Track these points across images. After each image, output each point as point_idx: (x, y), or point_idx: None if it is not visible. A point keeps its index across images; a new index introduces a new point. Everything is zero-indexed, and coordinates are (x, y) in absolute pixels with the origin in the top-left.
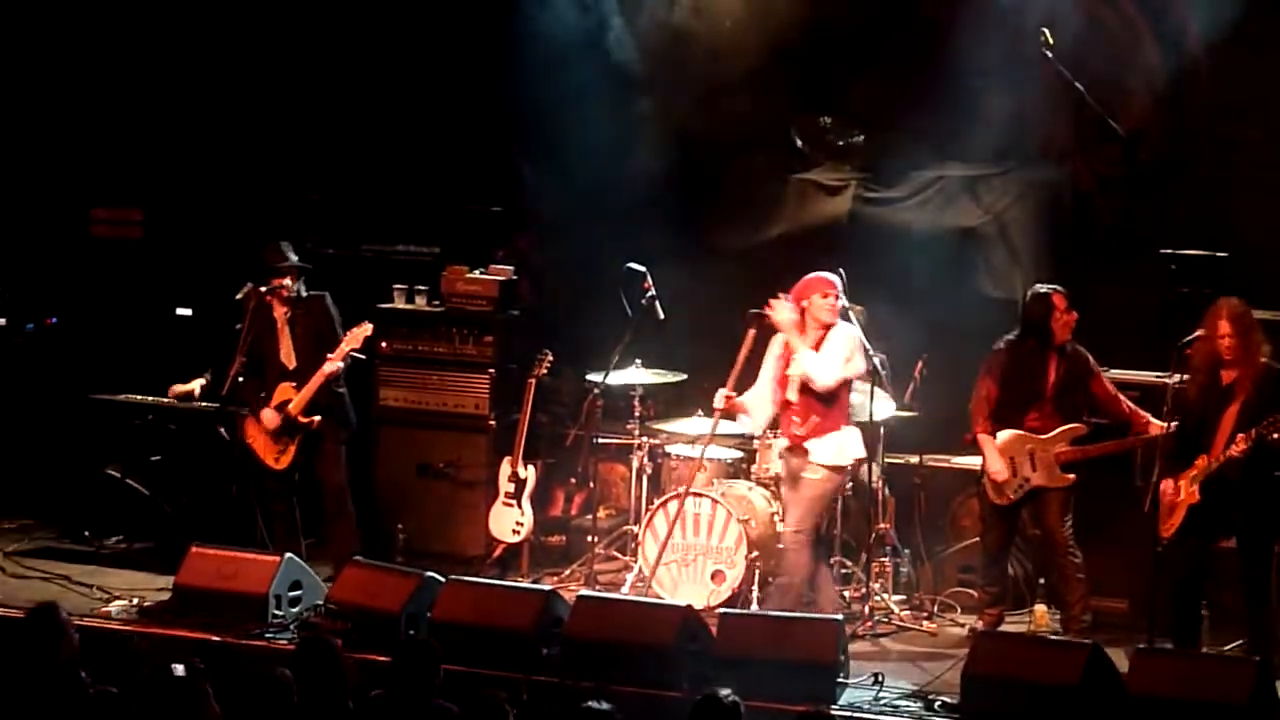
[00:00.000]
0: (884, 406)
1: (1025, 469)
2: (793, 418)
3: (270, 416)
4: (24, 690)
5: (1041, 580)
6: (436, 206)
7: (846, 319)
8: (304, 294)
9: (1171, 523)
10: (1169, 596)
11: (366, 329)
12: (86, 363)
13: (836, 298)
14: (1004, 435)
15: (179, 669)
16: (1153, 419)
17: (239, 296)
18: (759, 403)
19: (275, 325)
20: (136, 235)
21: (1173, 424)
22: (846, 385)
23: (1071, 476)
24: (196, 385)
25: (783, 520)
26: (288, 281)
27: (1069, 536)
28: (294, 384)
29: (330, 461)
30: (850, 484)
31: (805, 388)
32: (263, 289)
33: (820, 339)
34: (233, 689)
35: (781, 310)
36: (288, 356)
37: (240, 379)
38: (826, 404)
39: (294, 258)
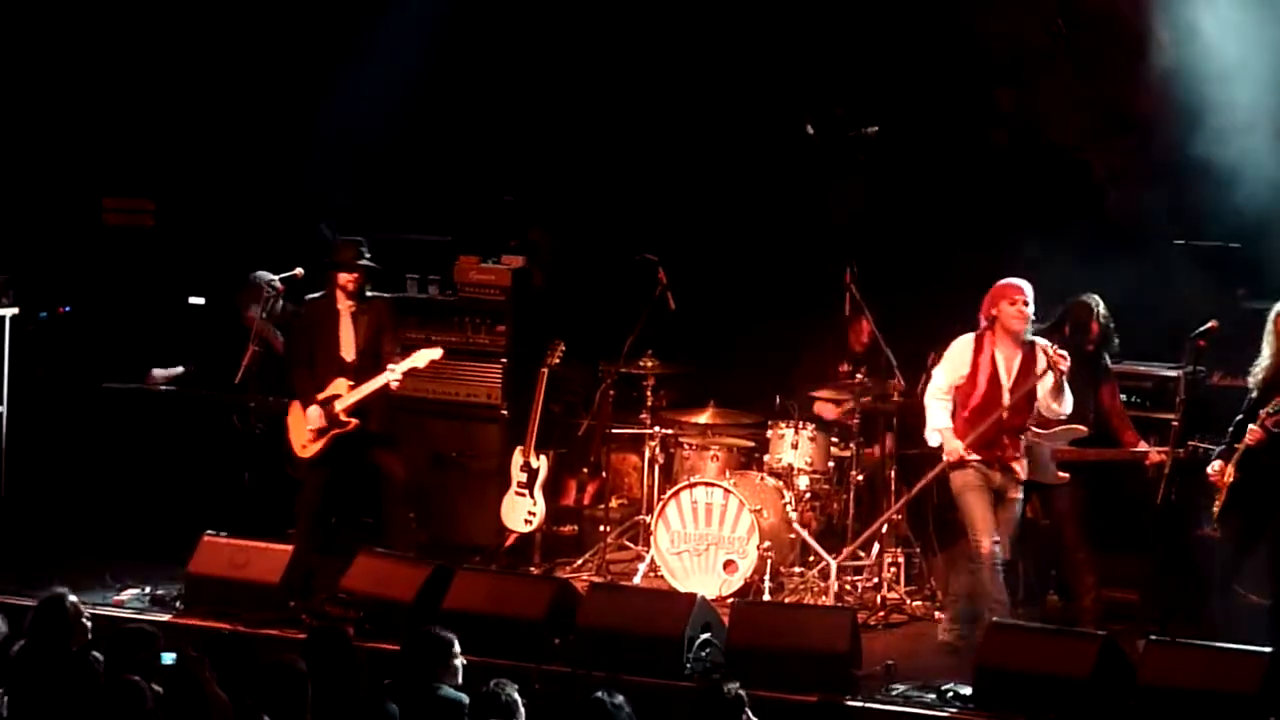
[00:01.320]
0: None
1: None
2: (1005, 440)
3: (315, 414)
4: (36, 678)
5: (1053, 571)
6: (449, 195)
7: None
8: (368, 294)
9: (1218, 503)
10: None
11: (436, 353)
12: (99, 351)
13: (1025, 303)
14: None
15: (169, 658)
16: (1144, 443)
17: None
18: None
19: (338, 318)
20: (148, 224)
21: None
22: None
23: (1065, 476)
24: (176, 371)
25: (995, 543)
26: (357, 278)
27: (1078, 528)
28: (350, 381)
29: (394, 458)
30: (862, 475)
31: (1024, 410)
32: (275, 279)
33: (1027, 355)
34: (245, 678)
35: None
36: (348, 350)
37: (252, 367)
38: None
39: (367, 258)
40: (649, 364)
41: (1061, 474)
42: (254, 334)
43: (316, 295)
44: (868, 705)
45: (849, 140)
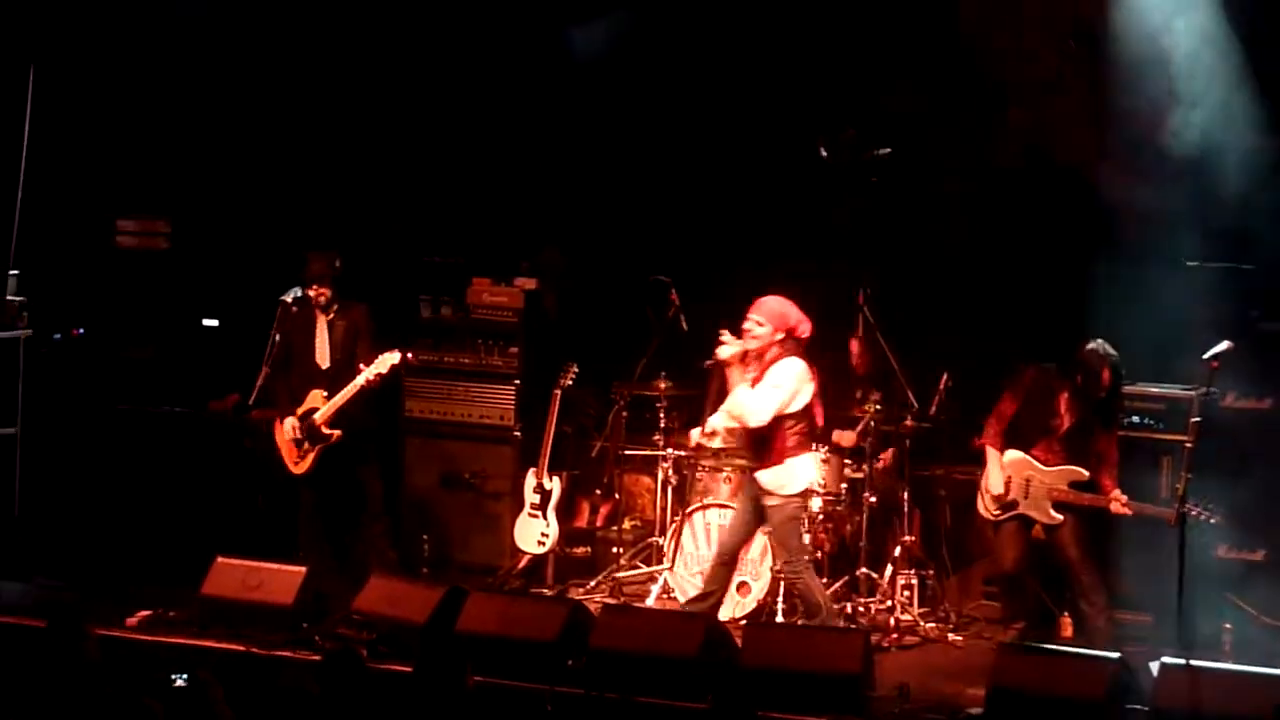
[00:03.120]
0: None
1: (1017, 493)
2: (743, 448)
3: (291, 424)
4: (46, 698)
5: (1067, 593)
6: (462, 218)
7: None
8: (346, 303)
9: None
10: None
11: (394, 357)
12: (113, 374)
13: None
14: (1011, 455)
15: (181, 680)
16: (1118, 494)
17: (283, 298)
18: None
19: (313, 325)
20: (162, 246)
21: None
22: (793, 418)
23: (1059, 517)
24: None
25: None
26: (325, 291)
27: (1081, 551)
28: (325, 392)
29: (371, 471)
30: (875, 496)
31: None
32: (288, 299)
33: (765, 368)
34: (258, 700)
35: (728, 347)
36: (322, 357)
37: (267, 386)
38: (764, 438)
39: (337, 266)
40: (662, 385)
41: (1055, 514)
42: (267, 354)
43: (291, 304)
44: None
45: (862, 162)
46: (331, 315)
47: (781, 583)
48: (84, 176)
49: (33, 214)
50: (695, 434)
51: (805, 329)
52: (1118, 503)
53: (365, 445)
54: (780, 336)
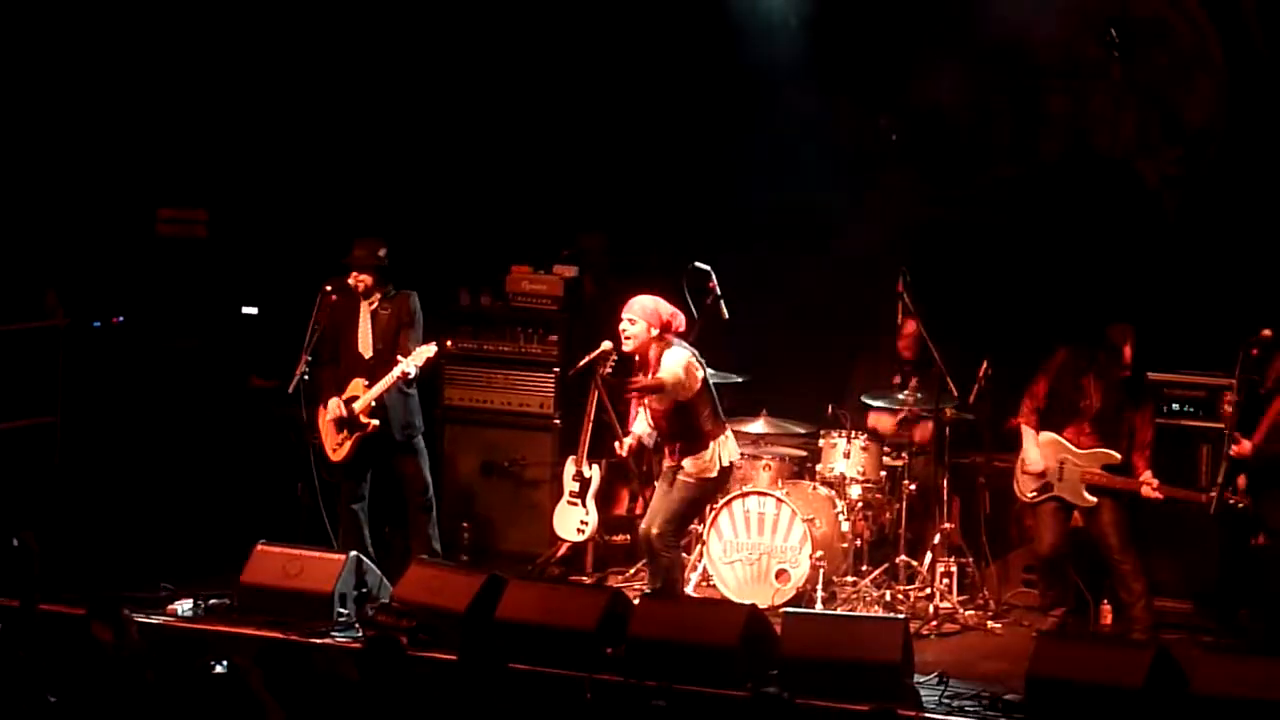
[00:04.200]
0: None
1: (1052, 475)
2: (666, 447)
3: (334, 404)
4: (88, 684)
5: (1106, 581)
6: (502, 204)
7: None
8: (392, 292)
9: None
10: None
11: (430, 350)
12: (153, 362)
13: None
14: (1045, 435)
15: (220, 666)
16: (1149, 476)
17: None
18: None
19: (357, 314)
20: (202, 234)
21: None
22: (700, 400)
23: (1093, 500)
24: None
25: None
26: (365, 279)
27: (1123, 539)
28: (365, 381)
29: (416, 462)
30: (914, 484)
31: (661, 419)
32: (328, 288)
33: (655, 365)
34: (298, 687)
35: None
36: (365, 346)
37: (306, 376)
38: (680, 430)
39: (381, 255)
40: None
41: (1089, 497)
42: (306, 343)
43: (331, 292)
44: (920, 715)
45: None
46: (374, 304)
47: (821, 571)
48: (124, 166)
49: (74, 203)
50: (616, 446)
51: (679, 322)
52: (1149, 486)
53: (410, 435)
54: (656, 332)
